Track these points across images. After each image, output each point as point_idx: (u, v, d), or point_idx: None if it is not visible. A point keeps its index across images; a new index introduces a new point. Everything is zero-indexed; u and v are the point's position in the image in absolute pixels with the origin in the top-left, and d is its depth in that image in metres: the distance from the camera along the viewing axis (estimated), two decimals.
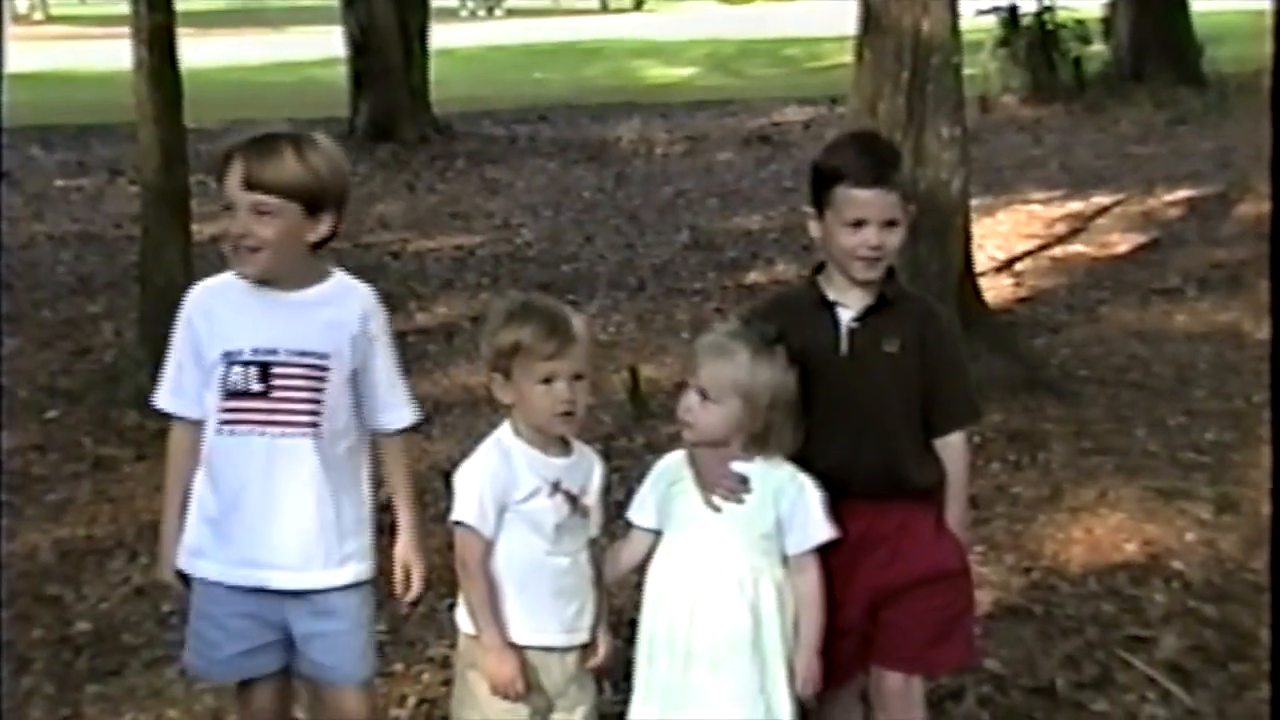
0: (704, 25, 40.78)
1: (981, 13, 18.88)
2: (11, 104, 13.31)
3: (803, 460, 3.61)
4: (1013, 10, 18.63)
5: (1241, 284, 9.53)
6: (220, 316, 3.56)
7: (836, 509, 3.61)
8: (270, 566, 3.55)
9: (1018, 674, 4.79)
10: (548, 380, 3.48)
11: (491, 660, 3.49)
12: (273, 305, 3.55)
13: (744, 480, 3.54)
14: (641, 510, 3.67)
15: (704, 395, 3.54)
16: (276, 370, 3.51)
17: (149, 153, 7.95)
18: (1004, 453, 6.71)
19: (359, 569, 3.64)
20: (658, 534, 3.65)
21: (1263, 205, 11.46)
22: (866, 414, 3.63)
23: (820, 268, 3.72)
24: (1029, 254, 10.67)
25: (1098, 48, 18.96)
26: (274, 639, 3.64)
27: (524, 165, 16.01)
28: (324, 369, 3.54)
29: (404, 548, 3.71)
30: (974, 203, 8.37)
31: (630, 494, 3.76)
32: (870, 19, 7.61)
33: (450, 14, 44.56)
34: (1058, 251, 10.77)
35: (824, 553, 3.61)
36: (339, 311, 3.60)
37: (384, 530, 3.81)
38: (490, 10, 54.65)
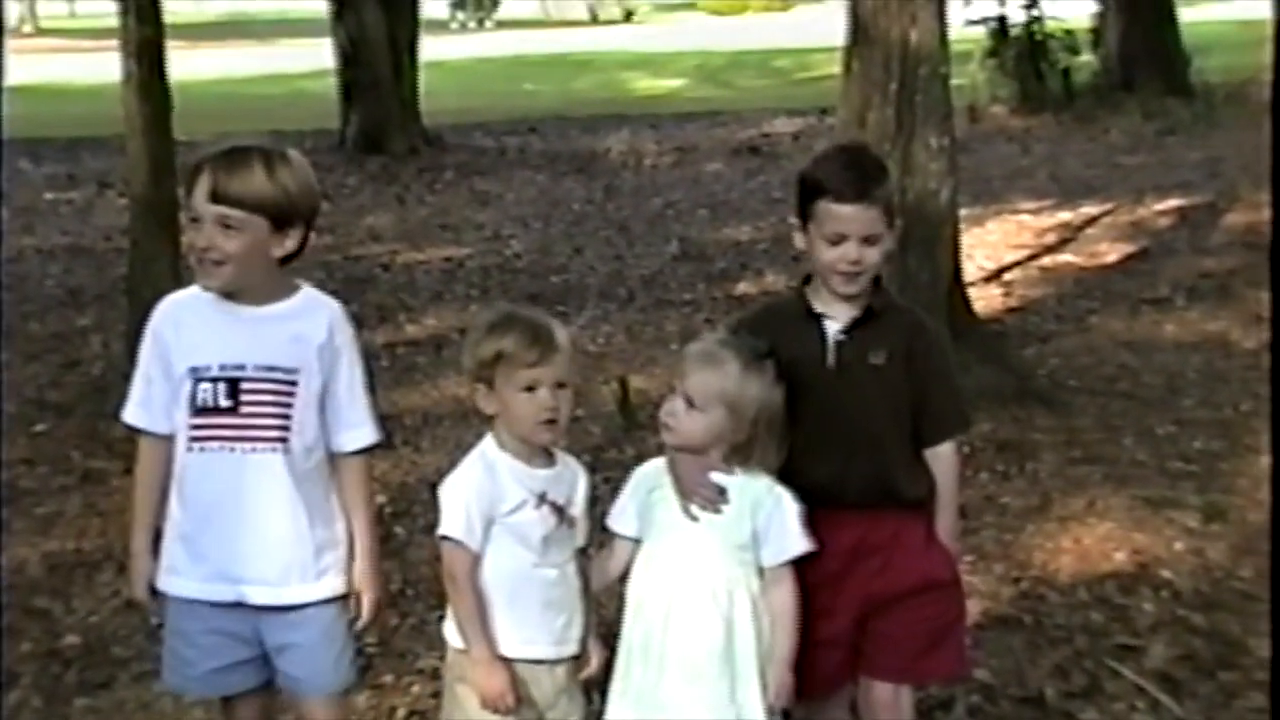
0: (693, 37, 40.81)
1: (970, 23, 18.91)
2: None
3: (793, 472, 3.61)
4: (1001, 21, 18.66)
5: (1230, 293, 9.55)
6: (187, 331, 3.54)
7: (828, 520, 3.61)
8: (245, 581, 3.53)
9: (1007, 684, 4.79)
10: (530, 388, 3.48)
11: (481, 674, 3.48)
12: (240, 320, 3.53)
13: (722, 491, 3.54)
14: (621, 518, 3.67)
15: (690, 403, 3.54)
16: (245, 386, 3.49)
17: (138, 165, 7.95)
18: (993, 462, 6.72)
19: (335, 583, 3.62)
20: (638, 542, 3.65)
21: (1251, 214, 11.52)
22: (854, 426, 3.63)
23: (809, 278, 3.72)
24: (1018, 264, 10.68)
25: (1086, 58, 18.99)
26: (249, 655, 3.62)
27: (514, 177, 16.01)
28: (292, 384, 3.52)
29: (359, 574, 3.65)
30: (963, 213, 8.39)
31: None
32: (858, 30, 7.62)
33: (440, 26, 44.60)
34: (1047, 261, 10.78)
35: (813, 562, 3.61)
36: (306, 325, 3.58)
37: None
38: (480, 22, 54.72)
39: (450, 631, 3.59)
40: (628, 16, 60.78)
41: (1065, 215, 12.21)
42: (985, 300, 9.31)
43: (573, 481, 3.63)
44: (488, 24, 54.62)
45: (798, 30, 38.42)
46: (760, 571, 3.58)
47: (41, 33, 52.72)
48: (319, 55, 21.42)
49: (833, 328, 3.65)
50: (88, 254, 12.24)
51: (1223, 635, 5.07)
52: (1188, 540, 5.85)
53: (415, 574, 5.42)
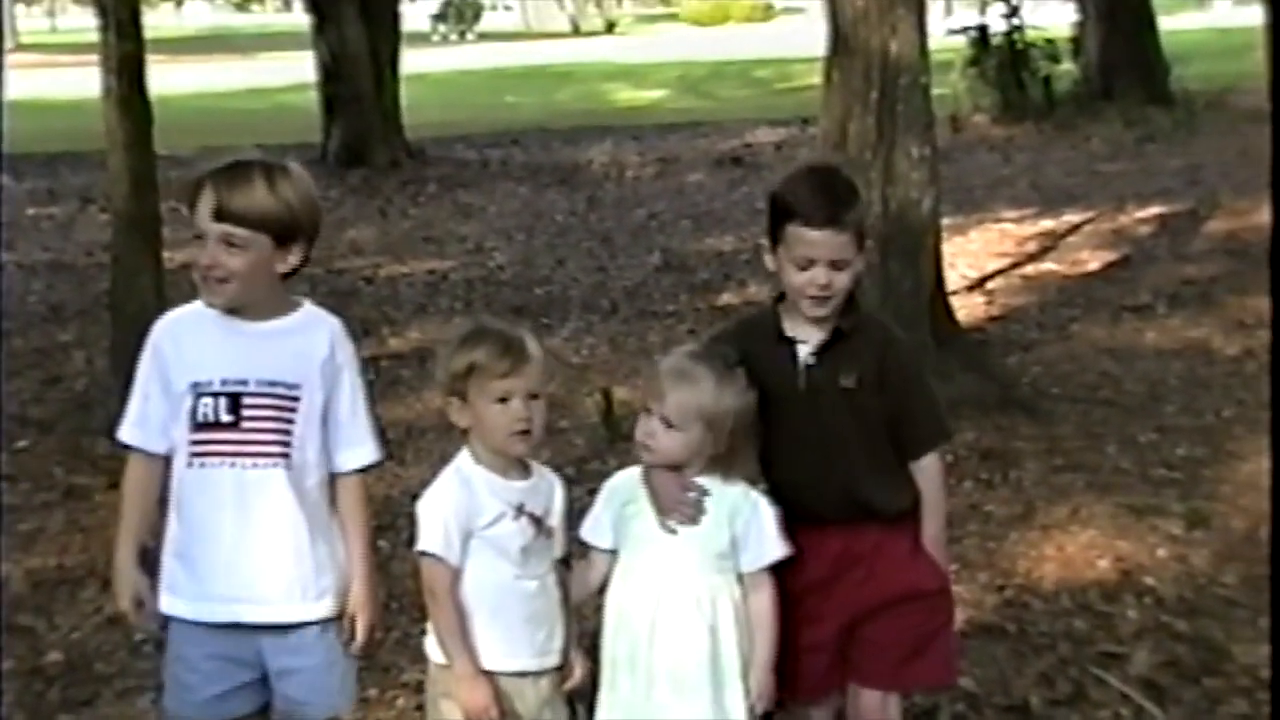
0: (675, 47, 40.95)
1: (952, 32, 19.01)
2: None
3: (770, 489, 3.63)
4: (982, 30, 18.73)
5: (1212, 300, 9.58)
6: (188, 346, 3.51)
7: (810, 532, 3.62)
8: (245, 601, 3.50)
9: (991, 692, 4.79)
10: (503, 400, 3.48)
11: (464, 688, 3.47)
12: (242, 335, 3.51)
13: (700, 500, 3.55)
14: (596, 531, 3.67)
15: (668, 423, 3.53)
16: (247, 401, 3.46)
17: (119, 180, 7.94)
18: (976, 471, 6.72)
19: (335, 604, 3.58)
20: (615, 553, 3.65)
21: (1232, 221, 11.56)
22: (828, 447, 3.63)
23: (783, 295, 3.71)
24: (1000, 272, 10.71)
25: (1067, 67, 19.07)
26: (249, 679, 3.58)
27: (496, 189, 16.02)
28: (294, 399, 3.50)
29: (355, 596, 3.61)
30: (945, 222, 8.40)
31: None
32: (839, 40, 7.64)
33: (422, 38, 44.66)
34: (1029, 269, 10.80)
35: (798, 569, 3.61)
36: (308, 341, 3.56)
37: None
38: (461, 34, 54.76)
39: (431, 647, 3.58)
40: (609, 28, 60.91)
41: (1047, 223, 12.24)
42: (968, 309, 9.33)
43: (549, 492, 3.63)
44: (469, 36, 54.66)
45: (779, 41, 38.56)
46: (740, 577, 3.58)
47: (22, 48, 52.61)
48: (300, 69, 21.42)
49: (803, 351, 3.64)
50: (69, 269, 12.23)
51: (1206, 641, 5.07)
52: (1171, 547, 5.86)
53: (400, 587, 5.40)
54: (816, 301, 3.58)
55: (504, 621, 3.52)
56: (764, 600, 3.59)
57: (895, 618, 3.69)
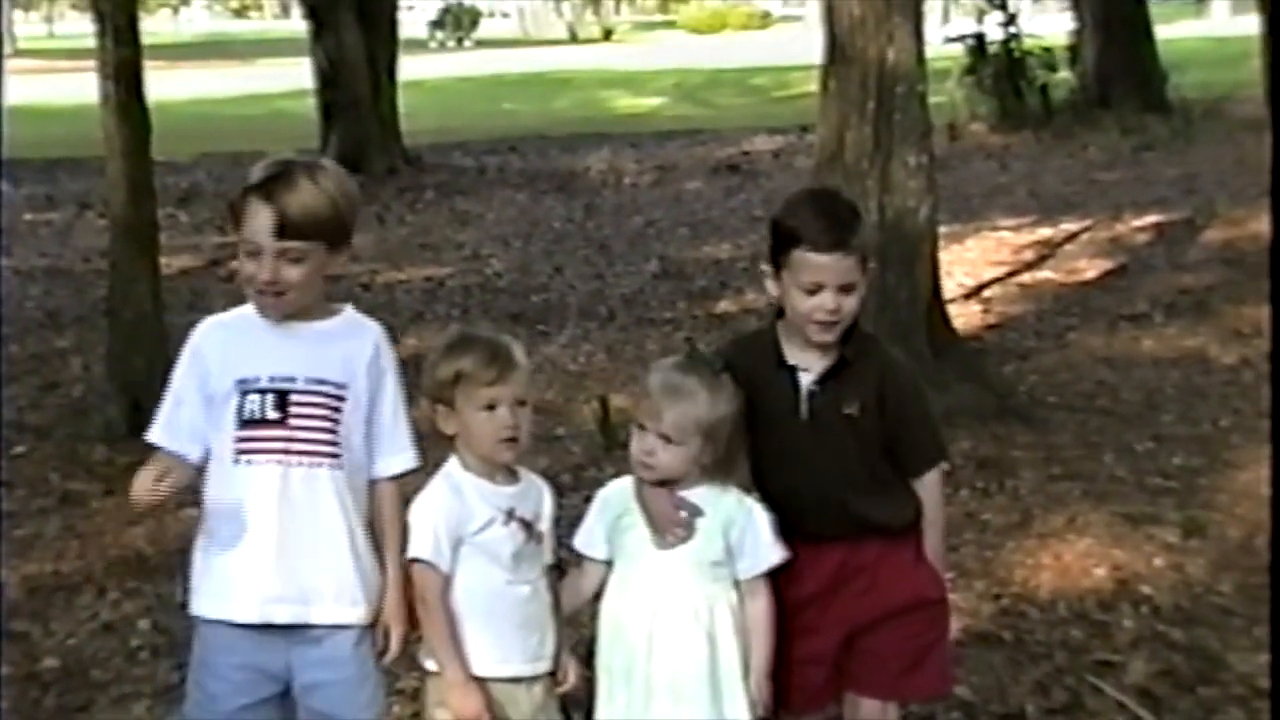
0: (672, 55, 40.99)
1: (949, 41, 19.04)
2: None
3: (769, 507, 3.62)
4: (980, 38, 18.75)
5: (1208, 309, 9.59)
6: (233, 347, 3.49)
7: (809, 548, 3.61)
8: (285, 601, 3.45)
9: (988, 700, 4.79)
10: (490, 407, 3.48)
11: (456, 696, 3.47)
12: (289, 335, 3.49)
13: (696, 512, 3.54)
14: (591, 542, 3.66)
15: (667, 439, 3.51)
16: (294, 398, 3.44)
17: (117, 186, 7.93)
18: (973, 479, 6.72)
19: (369, 612, 3.54)
20: (609, 563, 3.64)
21: (1229, 230, 11.57)
22: (829, 472, 3.62)
23: (781, 312, 3.68)
24: (997, 281, 10.72)
25: (1064, 75, 19.08)
26: (274, 692, 3.53)
27: (494, 196, 16.03)
28: (341, 399, 3.48)
29: (390, 605, 3.56)
30: (942, 230, 8.41)
31: None
32: (836, 48, 7.65)
33: (419, 45, 44.69)
34: (1026, 278, 10.81)
35: (797, 580, 3.61)
36: (354, 343, 3.55)
37: None
38: (459, 41, 54.82)
39: (424, 655, 3.57)
40: (607, 35, 60.97)
41: (1044, 232, 12.25)
42: (965, 317, 9.34)
43: (538, 497, 3.63)
44: (467, 43, 54.72)
45: (776, 48, 38.60)
46: (737, 583, 3.58)
47: (20, 53, 52.67)
48: (298, 75, 21.42)
49: (806, 379, 3.62)
50: (67, 275, 12.22)
51: (1202, 651, 5.07)
52: (1167, 556, 5.86)
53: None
54: (824, 327, 3.55)
55: (496, 627, 3.51)
56: (761, 607, 3.59)
57: (896, 628, 3.69)
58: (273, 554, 3.43)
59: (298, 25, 19.82)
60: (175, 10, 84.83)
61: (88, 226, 14.31)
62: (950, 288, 9.29)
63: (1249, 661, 4.87)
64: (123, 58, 7.81)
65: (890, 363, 3.73)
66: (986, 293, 10.37)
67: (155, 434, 3.54)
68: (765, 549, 3.57)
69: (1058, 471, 6.85)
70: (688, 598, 3.54)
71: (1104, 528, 6.16)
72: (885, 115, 7.47)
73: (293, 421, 3.43)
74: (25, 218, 15.36)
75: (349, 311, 3.61)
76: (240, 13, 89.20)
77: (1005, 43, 18.60)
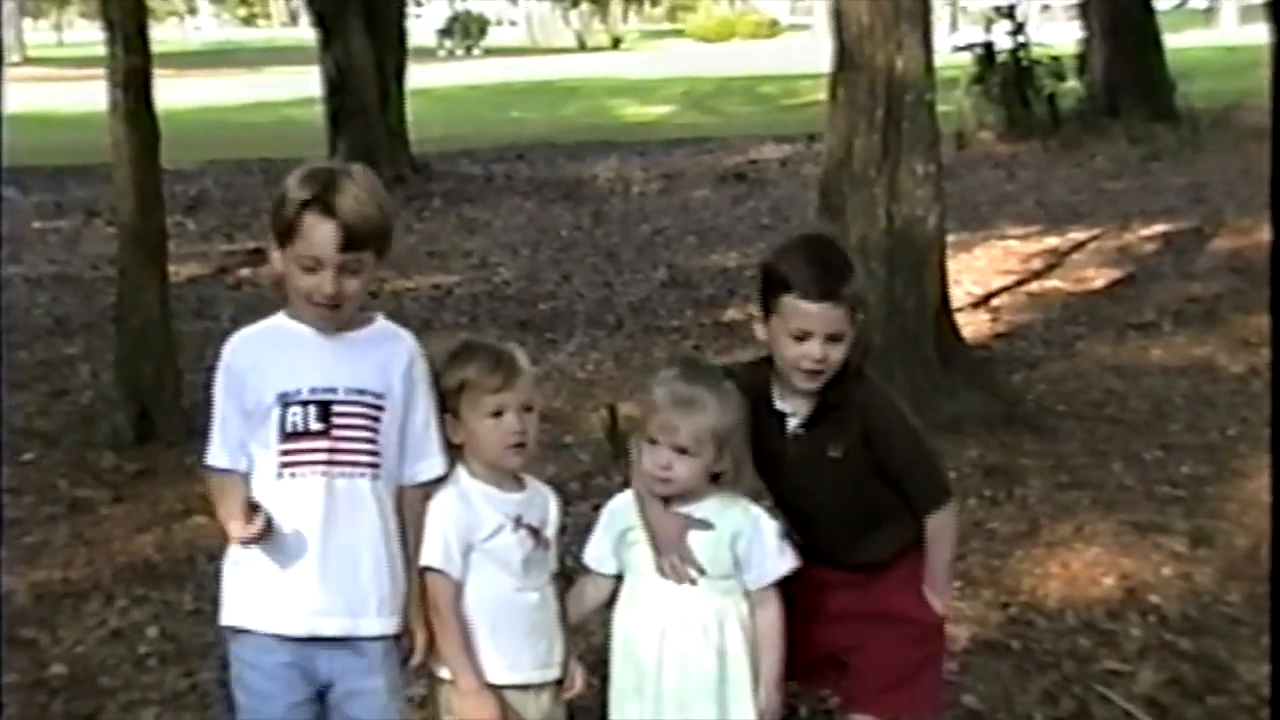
0: (680, 63, 41.00)
1: (957, 49, 19.04)
2: None
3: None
4: (988, 47, 18.75)
5: (1217, 318, 9.58)
6: (269, 361, 3.46)
7: (802, 569, 3.62)
8: (329, 614, 3.45)
9: (995, 709, 4.79)
10: (497, 414, 3.49)
11: (470, 703, 3.47)
12: (326, 346, 3.48)
13: (704, 526, 3.53)
14: (599, 557, 3.67)
15: (683, 451, 3.50)
16: (336, 409, 3.43)
17: (125, 194, 7.94)
18: (981, 488, 6.72)
19: (401, 621, 3.55)
20: (619, 577, 3.65)
21: (1237, 239, 11.55)
22: (817, 513, 3.65)
23: (771, 357, 3.67)
24: (1005, 289, 10.71)
25: (1072, 84, 19.08)
26: (313, 693, 3.52)
27: (502, 204, 16.04)
28: (380, 408, 3.48)
29: (415, 612, 3.56)
30: (950, 238, 8.41)
31: None
32: (845, 57, 7.66)
33: (428, 53, 44.72)
34: (1034, 287, 10.81)
35: (791, 588, 3.62)
36: (389, 352, 3.54)
37: None
38: (468, 49, 54.84)
39: (435, 662, 3.57)
40: (615, 43, 61.03)
41: (1052, 241, 12.24)
42: (973, 326, 9.33)
43: (544, 504, 3.64)
44: (475, 51, 54.74)
45: (784, 57, 38.63)
46: (747, 593, 3.58)
47: (29, 61, 52.76)
48: (306, 83, 21.45)
49: (792, 424, 3.64)
50: (75, 283, 12.24)
51: (1210, 660, 5.06)
52: (1175, 565, 5.85)
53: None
54: (809, 375, 3.55)
55: (505, 634, 3.52)
56: (771, 616, 3.59)
57: (886, 641, 3.70)
58: (319, 567, 3.44)
59: (306, 33, 19.87)
60: (183, 18, 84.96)
61: (95, 234, 14.32)
62: (958, 296, 9.29)
63: (1257, 671, 4.86)
64: (132, 65, 7.82)
65: (876, 403, 3.69)
66: (994, 301, 10.36)
67: (217, 457, 3.52)
68: (773, 558, 3.57)
69: (1066, 480, 6.84)
70: (697, 614, 3.54)
71: (1112, 536, 6.15)
72: (894, 123, 7.47)
73: (336, 433, 3.43)
74: (34, 225, 15.38)
75: (381, 320, 3.60)
76: (248, 21, 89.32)
77: (1013, 51, 18.59)
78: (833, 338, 3.53)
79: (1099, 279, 10.94)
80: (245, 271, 12.50)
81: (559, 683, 3.63)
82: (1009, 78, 18.58)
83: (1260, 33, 16.06)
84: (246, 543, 3.37)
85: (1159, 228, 12.47)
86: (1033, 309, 10.18)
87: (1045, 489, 6.73)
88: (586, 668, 3.70)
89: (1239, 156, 15.40)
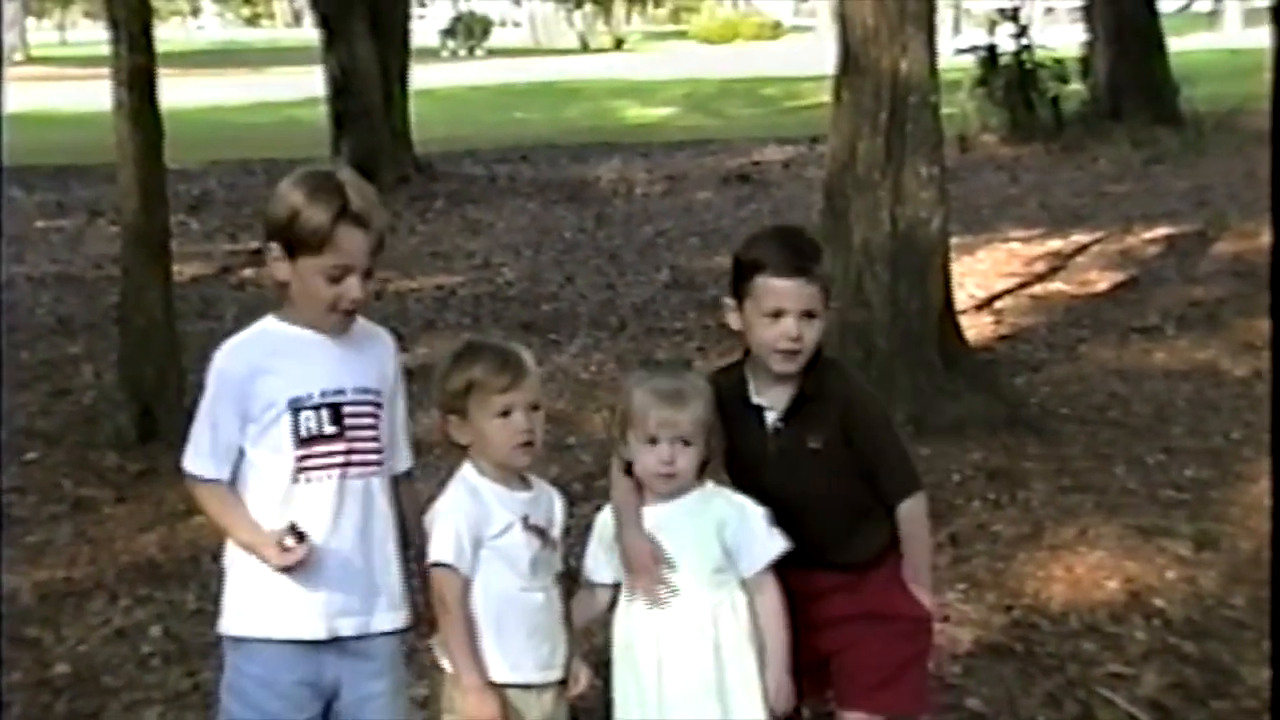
0: (683, 65, 41.00)
1: (960, 52, 19.01)
2: None
3: None
4: (991, 50, 18.74)
5: (1220, 322, 9.58)
6: (274, 366, 3.44)
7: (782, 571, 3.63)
8: (346, 614, 3.46)
9: (999, 712, 4.79)
10: (505, 413, 3.50)
11: (473, 702, 3.47)
12: (326, 348, 3.48)
13: (669, 565, 3.55)
14: (597, 568, 3.70)
15: (686, 442, 3.53)
16: (347, 410, 3.45)
17: (129, 194, 7.94)
18: (984, 491, 6.72)
19: (410, 614, 3.58)
20: (617, 585, 3.66)
21: (1240, 243, 11.55)
22: (799, 507, 3.63)
23: (748, 353, 3.69)
24: (1008, 292, 10.71)
25: (1075, 87, 19.07)
26: (320, 709, 3.52)
27: (504, 205, 16.04)
28: (380, 405, 3.52)
29: (425, 604, 3.61)
30: (953, 241, 8.41)
31: None
32: (848, 59, 7.66)
33: (431, 54, 44.74)
34: (1037, 289, 10.81)
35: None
36: (378, 350, 3.59)
37: None
38: (471, 50, 54.84)
39: (442, 656, 3.58)
40: (618, 45, 61.03)
41: (1055, 244, 12.24)
42: (976, 328, 9.33)
43: (549, 505, 3.65)
44: (478, 52, 54.73)
45: (787, 59, 38.61)
46: (742, 583, 3.58)
47: (33, 60, 52.80)
48: (310, 84, 21.47)
49: (770, 417, 3.65)
50: (78, 282, 12.24)
51: (1214, 664, 5.06)
52: (1179, 569, 5.85)
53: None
54: (786, 356, 3.57)
55: (509, 633, 3.53)
56: (769, 600, 3.59)
57: (873, 639, 3.70)
58: (337, 568, 3.44)
59: (310, 34, 19.88)
60: (186, 18, 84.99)
61: (98, 233, 14.33)
62: (961, 299, 9.28)
63: (1260, 674, 4.85)
64: (136, 65, 7.82)
65: (853, 394, 3.72)
66: (998, 304, 10.36)
67: (203, 466, 3.48)
68: (762, 542, 3.58)
69: (1069, 483, 6.84)
70: (692, 613, 3.55)
71: (1115, 540, 6.15)
72: (898, 126, 7.48)
73: (349, 434, 3.45)
74: (37, 224, 15.39)
75: (360, 319, 3.60)
76: (252, 21, 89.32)
77: (1017, 54, 18.59)
78: (807, 314, 3.57)
79: (1102, 282, 10.94)
80: (248, 271, 12.50)
81: (562, 683, 3.63)
82: (1012, 80, 18.57)
83: (1264, 36, 16.02)
84: (289, 569, 3.37)
85: (1162, 231, 12.47)
86: (1036, 312, 10.18)
87: (1048, 492, 6.73)
88: (590, 668, 3.70)
89: (1242, 160, 15.38)
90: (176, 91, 16.13)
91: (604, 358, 9.36)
